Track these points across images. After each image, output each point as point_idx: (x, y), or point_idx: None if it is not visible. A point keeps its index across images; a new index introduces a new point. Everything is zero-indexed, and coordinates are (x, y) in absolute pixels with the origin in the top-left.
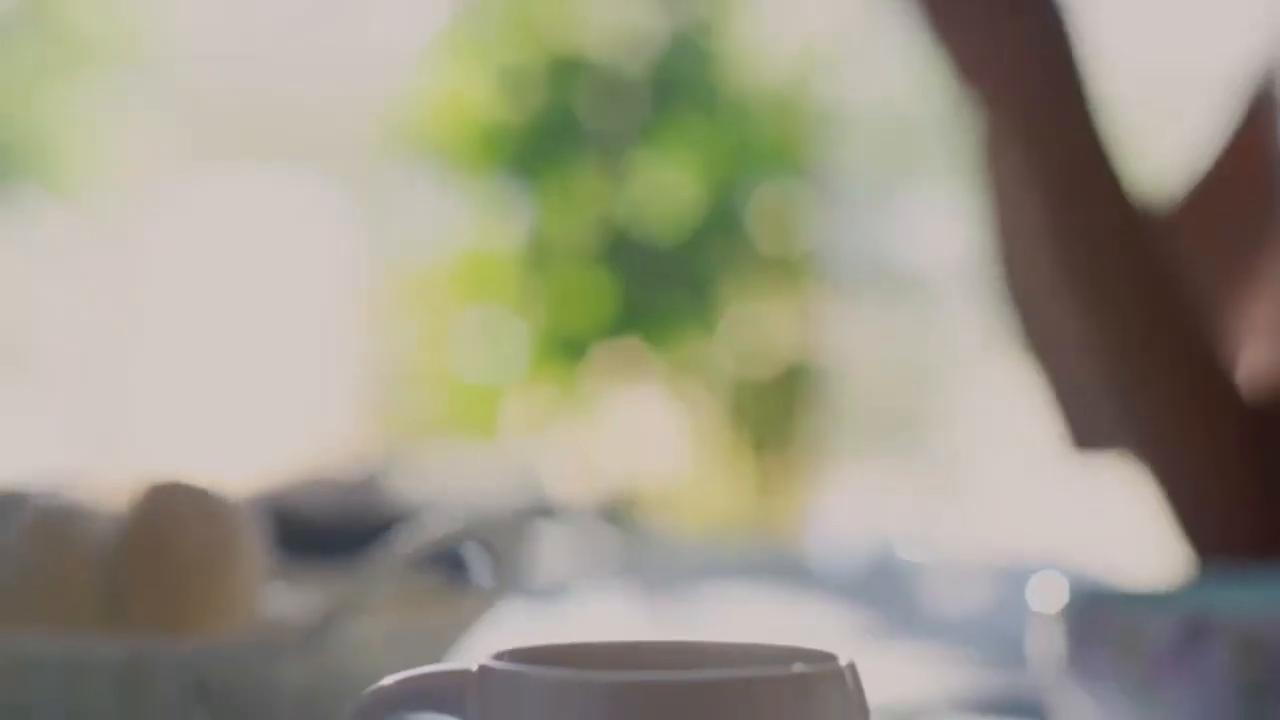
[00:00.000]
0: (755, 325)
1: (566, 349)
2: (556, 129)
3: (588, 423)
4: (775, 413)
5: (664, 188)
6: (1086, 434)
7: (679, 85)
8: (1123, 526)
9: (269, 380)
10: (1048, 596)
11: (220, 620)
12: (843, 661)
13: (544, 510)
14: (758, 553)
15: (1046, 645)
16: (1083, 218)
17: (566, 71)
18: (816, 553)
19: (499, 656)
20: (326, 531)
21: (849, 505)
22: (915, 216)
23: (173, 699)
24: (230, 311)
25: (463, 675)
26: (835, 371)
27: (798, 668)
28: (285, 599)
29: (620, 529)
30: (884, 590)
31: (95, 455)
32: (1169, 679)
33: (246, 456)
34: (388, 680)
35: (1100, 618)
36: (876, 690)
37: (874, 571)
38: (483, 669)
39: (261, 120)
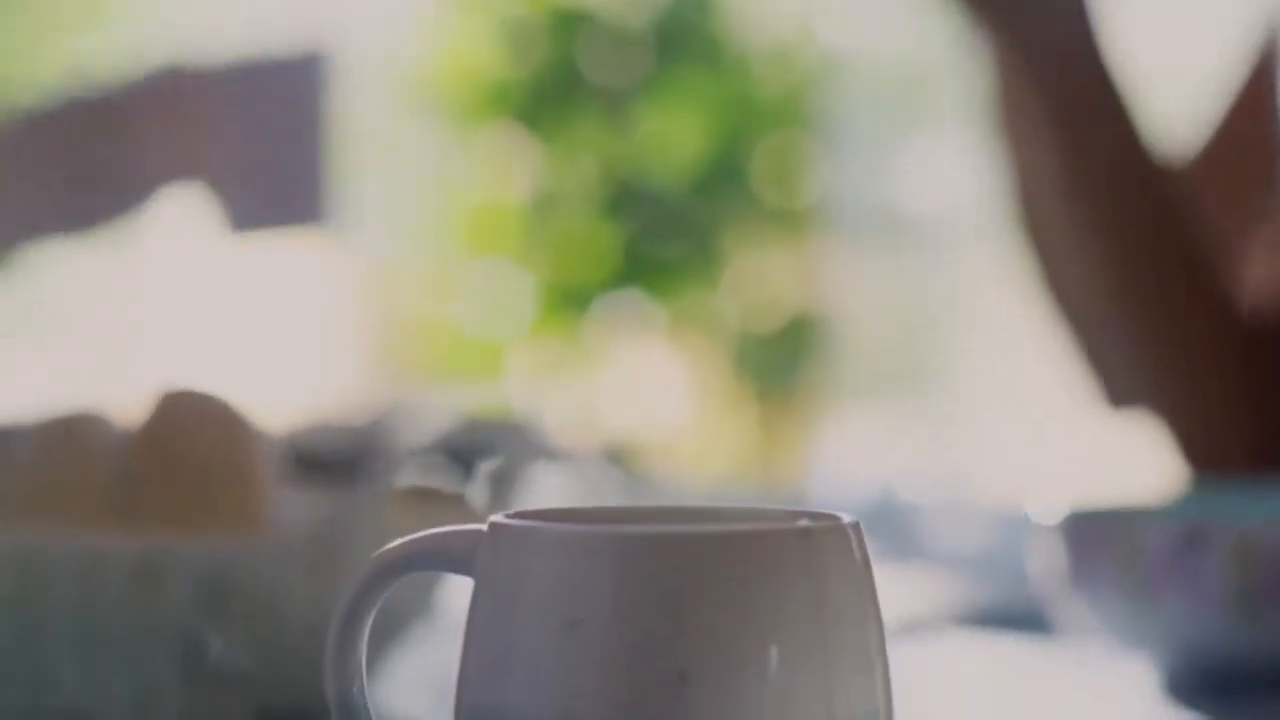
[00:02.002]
0: (759, 276)
1: (570, 301)
2: (560, 82)
3: (591, 375)
4: (779, 364)
5: (667, 140)
6: (1114, 391)
7: (682, 37)
8: (1127, 475)
9: (275, 332)
10: (1048, 510)
11: (231, 523)
12: (846, 520)
13: (547, 454)
14: (760, 495)
15: (1047, 557)
16: (1091, 153)
17: (569, 24)
18: (818, 495)
19: (508, 517)
20: (332, 472)
21: (853, 454)
22: (920, 165)
23: (183, 597)
24: (236, 266)
25: (472, 535)
26: (839, 322)
27: (802, 523)
28: (294, 505)
29: (623, 474)
30: (886, 529)
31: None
32: (1167, 587)
33: (254, 404)
34: (396, 542)
35: (1100, 529)
36: None
37: (876, 512)
38: (494, 525)
39: None
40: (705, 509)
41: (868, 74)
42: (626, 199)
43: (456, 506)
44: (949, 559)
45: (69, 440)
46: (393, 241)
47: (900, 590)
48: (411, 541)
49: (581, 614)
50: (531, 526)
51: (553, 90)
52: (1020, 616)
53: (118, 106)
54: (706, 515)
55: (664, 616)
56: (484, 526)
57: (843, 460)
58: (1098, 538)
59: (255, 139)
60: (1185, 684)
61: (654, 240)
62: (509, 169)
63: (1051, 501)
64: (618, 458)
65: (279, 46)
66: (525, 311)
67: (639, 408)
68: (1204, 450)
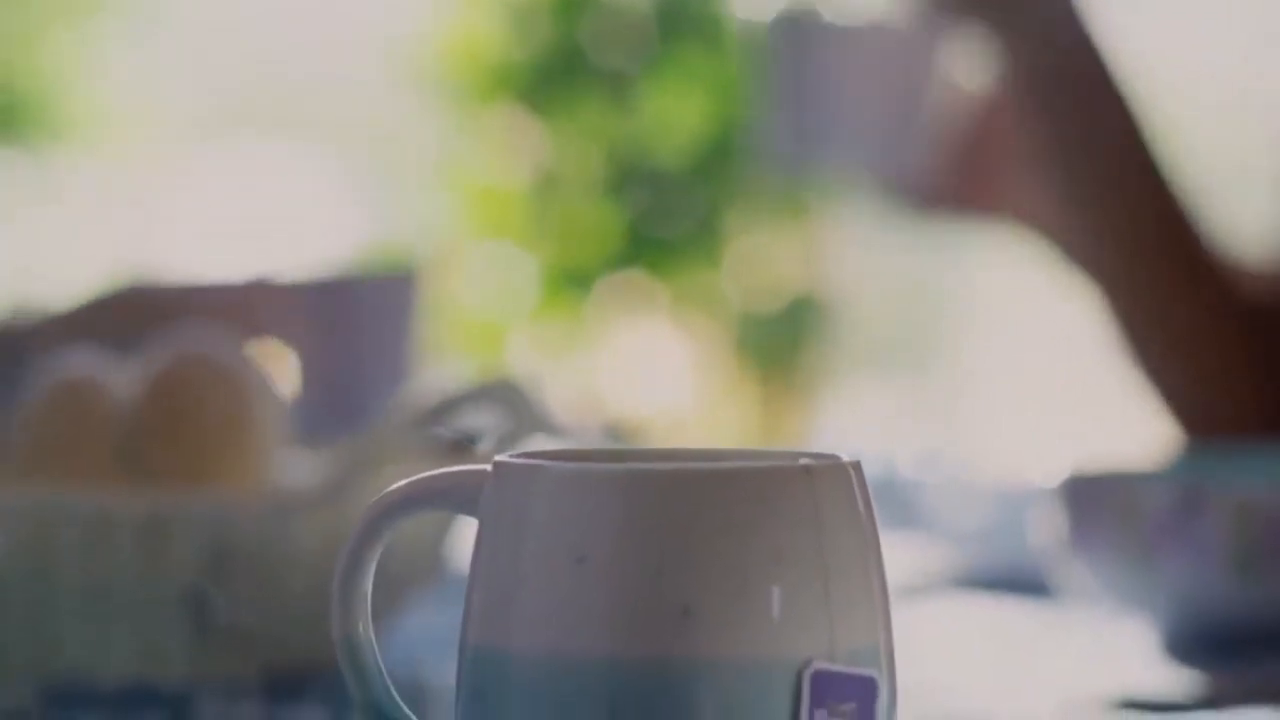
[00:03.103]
0: (762, 256)
1: (573, 281)
2: (563, 64)
3: (594, 355)
4: (781, 344)
5: (671, 121)
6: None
7: (685, 18)
8: (1126, 448)
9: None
10: (1048, 474)
11: (237, 481)
12: (847, 459)
13: (550, 432)
14: None
15: (1047, 520)
16: (1088, 143)
17: (572, 6)
18: None
19: (512, 457)
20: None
21: (855, 433)
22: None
23: (189, 556)
24: (242, 248)
25: (477, 474)
26: (842, 301)
27: (803, 461)
28: (301, 463)
29: None
30: (888, 504)
31: None
32: (1167, 549)
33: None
34: (401, 482)
35: (1099, 491)
36: None
37: (878, 488)
38: (498, 464)
39: (269, 60)
40: (707, 450)
41: None
42: (629, 179)
43: (463, 457)
44: (951, 533)
45: (75, 399)
46: (395, 222)
47: (901, 558)
48: (416, 481)
49: (587, 549)
50: (537, 464)
51: (556, 72)
52: (1021, 580)
53: (191, 306)
54: (709, 456)
55: (669, 551)
56: (488, 466)
57: (844, 439)
58: (1097, 500)
59: (338, 358)
60: (1185, 645)
61: (657, 220)
62: (512, 150)
63: (1051, 467)
64: (620, 436)
65: (368, 267)
66: (528, 292)
67: (641, 387)
68: (1205, 428)
